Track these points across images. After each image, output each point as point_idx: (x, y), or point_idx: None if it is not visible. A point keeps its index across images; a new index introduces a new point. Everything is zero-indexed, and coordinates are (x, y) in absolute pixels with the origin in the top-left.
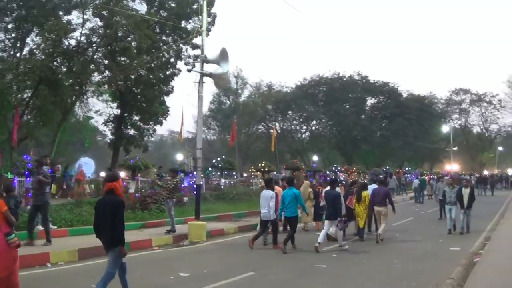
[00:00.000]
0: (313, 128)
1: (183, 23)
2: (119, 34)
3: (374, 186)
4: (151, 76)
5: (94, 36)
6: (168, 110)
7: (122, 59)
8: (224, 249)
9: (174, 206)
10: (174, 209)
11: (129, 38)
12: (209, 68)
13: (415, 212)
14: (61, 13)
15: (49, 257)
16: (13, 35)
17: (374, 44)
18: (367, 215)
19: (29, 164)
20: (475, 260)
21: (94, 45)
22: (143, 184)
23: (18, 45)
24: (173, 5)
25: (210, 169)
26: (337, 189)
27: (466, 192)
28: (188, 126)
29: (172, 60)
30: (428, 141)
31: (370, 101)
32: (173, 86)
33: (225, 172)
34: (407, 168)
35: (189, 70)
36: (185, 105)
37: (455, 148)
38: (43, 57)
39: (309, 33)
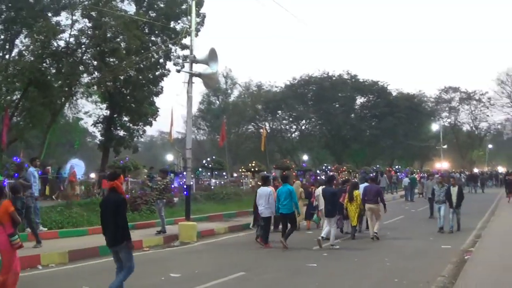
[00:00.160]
0: (303, 127)
1: (172, 24)
2: (108, 35)
3: (366, 185)
4: (140, 77)
5: (83, 37)
6: (158, 111)
7: (111, 60)
8: (215, 249)
9: (164, 206)
10: (164, 210)
11: (118, 39)
12: (198, 68)
13: (405, 211)
14: (50, 14)
15: (39, 259)
16: (2, 36)
17: (363, 43)
18: (358, 214)
19: None
20: (466, 258)
21: (83, 46)
22: (133, 185)
23: (7, 46)
24: (162, 5)
25: (200, 169)
26: None
27: (454, 190)
28: (178, 126)
29: (161, 60)
30: (418, 139)
31: (359, 100)
32: (162, 87)
33: (215, 172)
34: (397, 167)
35: (178, 71)
36: (175, 106)
37: (445, 146)
38: (32, 58)
39: (298, 32)
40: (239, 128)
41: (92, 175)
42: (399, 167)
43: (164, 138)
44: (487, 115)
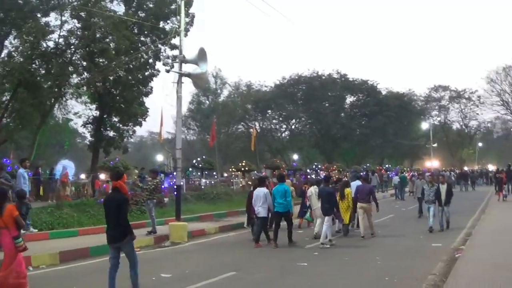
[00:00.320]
0: (293, 127)
1: (161, 24)
2: (97, 36)
3: (358, 183)
4: (129, 77)
5: (72, 37)
6: (147, 111)
7: (101, 60)
8: (206, 249)
9: (155, 207)
10: (154, 210)
11: (108, 39)
12: (188, 68)
13: (395, 209)
14: (39, 15)
15: (30, 260)
16: None
17: (353, 43)
18: (350, 212)
19: (9, 168)
20: (456, 256)
21: (72, 46)
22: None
23: None
24: (151, 5)
25: (190, 169)
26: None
27: (443, 188)
28: (168, 126)
29: (150, 60)
30: (407, 138)
31: (349, 99)
32: (152, 87)
33: (206, 172)
34: (387, 166)
35: (168, 71)
36: (164, 106)
37: (435, 145)
38: (21, 59)
39: (287, 32)
40: (229, 128)
41: (82, 176)
42: (389, 166)
43: (154, 139)
44: (477, 114)
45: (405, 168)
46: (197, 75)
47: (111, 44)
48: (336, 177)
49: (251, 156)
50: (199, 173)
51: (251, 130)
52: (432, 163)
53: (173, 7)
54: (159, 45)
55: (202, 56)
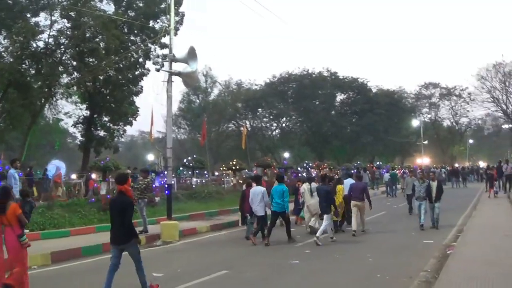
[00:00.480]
0: (283, 125)
1: (151, 23)
2: (87, 35)
3: (350, 181)
4: (120, 77)
5: (62, 37)
6: (138, 110)
7: (91, 60)
8: (197, 248)
9: (146, 206)
10: (146, 210)
11: (97, 39)
12: (178, 67)
13: (387, 206)
14: (28, 15)
15: None
16: None
17: (343, 41)
18: (342, 208)
19: None
20: (448, 253)
21: (62, 46)
22: (114, 185)
23: None
24: (140, 4)
25: (181, 168)
26: (314, 184)
27: (433, 185)
28: (158, 126)
29: (140, 60)
30: (398, 135)
31: (339, 97)
32: (142, 86)
33: (197, 171)
34: (378, 163)
35: (158, 70)
36: (155, 105)
37: (426, 142)
38: (11, 60)
39: (278, 30)
40: (219, 126)
41: (73, 176)
42: (380, 163)
43: (144, 138)
44: (468, 111)
45: (396, 166)
46: (187, 74)
47: (101, 44)
48: (331, 175)
49: (242, 155)
50: (190, 172)
51: (242, 128)
52: (423, 160)
53: (162, 6)
54: (149, 44)
55: (192, 54)
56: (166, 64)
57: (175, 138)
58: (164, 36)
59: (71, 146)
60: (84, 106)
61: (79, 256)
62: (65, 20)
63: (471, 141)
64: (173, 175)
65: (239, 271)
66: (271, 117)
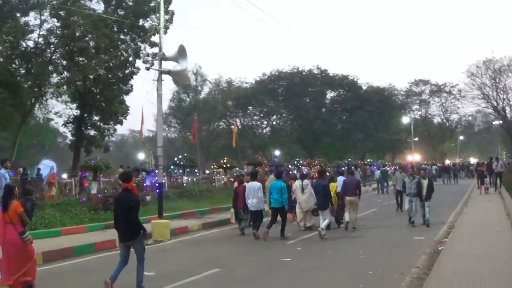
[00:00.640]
0: (274, 123)
1: (140, 21)
2: (77, 34)
3: (342, 178)
4: (110, 76)
5: (51, 36)
6: (128, 109)
7: (81, 59)
8: (189, 246)
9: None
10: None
11: (87, 38)
12: (167, 65)
13: (378, 203)
14: (18, 14)
15: None
16: None
17: (333, 39)
18: (337, 205)
19: None
20: (439, 249)
21: (52, 46)
22: (105, 184)
23: None
24: (130, 3)
25: (172, 167)
26: (305, 181)
27: (424, 183)
28: (149, 124)
29: (130, 59)
30: (389, 132)
31: (330, 94)
32: (132, 85)
33: (187, 170)
34: (368, 160)
35: (148, 68)
36: (145, 104)
37: (416, 139)
38: (1, 59)
39: (268, 29)
40: (210, 125)
41: (64, 176)
42: (371, 160)
43: (135, 137)
44: (458, 107)
45: (386, 163)
46: (177, 72)
47: (90, 43)
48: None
49: (232, 153)
50: (180, 171)
51: (232, 126)
52: (414, 157)
53: (152, 4)
54: (139, 43)
55: (182, 53)
56: (156, 62)
57: (165, 137)
58: (154, 34)
59: (62, 146)
60: (74, 105)
61: (71, 255)
62: (55, 20)
63: (461, 137)
64: (164, 173)
65: (230, 269)
66: (262, 115)
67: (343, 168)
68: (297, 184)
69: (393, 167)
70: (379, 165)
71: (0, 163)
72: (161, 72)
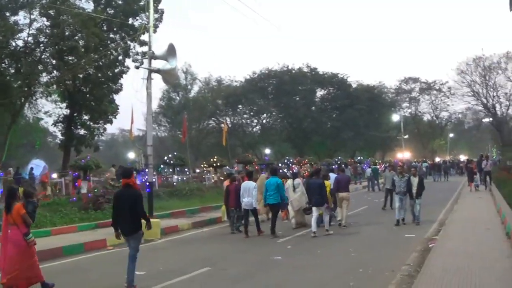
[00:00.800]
0: (264, 121)
1: (130, 20)
2: (66, 33)
3: (333, 175)
4: (99, 75)
5: (41, 36)
6: (118, 109)
7: (70, 58)
8: (179, 245)
9: None
10: None
11: (77, 37)
12: (157, 64)
13: (368, 201)
14: (7, 13)
15: None
16: None
17: (322, 37)
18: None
19: None
20: (430, 246)
21: (41, 45)
22: (95, 183)
23: None
24: (120, 2)
25: (162, 166)
26: (297, 180)
27: (414, 180)
28: (138, 123)
29: (120, 58)
30: (379, 130)
31: (319, 92)
32: (122, 84)
33: (177, 169)
34: (358, 158)
35: (137, 67)
36: (135, 103)
37: (406, 136)
38: None
39: (258, 27)
40: (200, 123)
41: (54, 175)
42: (361, 158)
43: (125, 136)
44: (448, 105)
45: (376, 160)
46: (166, 71)
47: (80, 42)
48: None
49: (222, 152)
50: (171, 170)
51: (222, 125)
52: (404, 155)
53: (142, 3)
54: (129, 42)
55: (171, 52)
56: (146, 61)
57: (155, 136)
58: (144, 33)
59: (52, 145)
60: (64, 104)
61: (61, 255)
62: (44, 19)
63: (451, 135)
64: (154, 172)
65: (221, 268)
66: (252, 113)
67: (333, 166)
68: (289, 183)
69: (383, 165)
70: (369, 163)
71: None
72: (151, 71)
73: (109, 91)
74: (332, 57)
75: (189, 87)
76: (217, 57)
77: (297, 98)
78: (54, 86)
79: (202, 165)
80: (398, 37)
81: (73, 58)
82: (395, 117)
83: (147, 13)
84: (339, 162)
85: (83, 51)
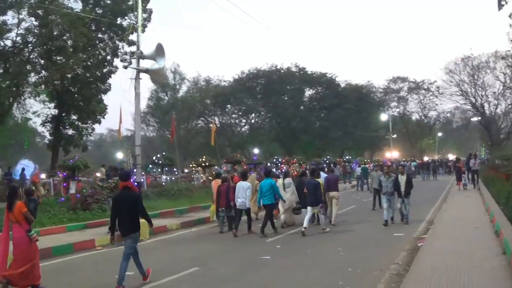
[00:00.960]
0: (253, 121)
1: (119, 20)
2: (55, 33)
3: (323, 175)
4: (88, 75)
5: (29, 36)
6: (106, 109)
7: (58, 58)
8: (168, 245)
9: None
10: None
11: (65, 37)
12: (146, 64)
13: (356, 200)
14: None
15: None
16: None
17: (310, 37)
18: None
19: None
20: (419, 245)
21: (30, 45)
22: (84, 184)
23: None
24: (108, 2)
25: (150, 166)
26: (288, 179)
27: (403, 179)
28: (127, 123)
29: (108, 57)
30: (367, 130)
31: (308, 92)
32: (110, 84)
33: (166, 169)
34: (347, 157)
35: (126, 67)
36: (123, 103)
37: (395, 136)
38: None
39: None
40: (188, 123)
41: (43, 176)
42: (349, 157)
43: (113, 136)
44: (436, 104)
45: (365, 160)
46: (155, 70)
47: (68, 42)
48: (301, 171)
49: (211, 151)
50: (159, 170)
51: (211, 125)
52: (392, 154)
53: (130, 3)
54: (117, 42)
55: (159, 51)
56: (134, 61)
57: (144, 136)
58: (132, 33)
59: (40, 145)
60: (53, 104)
61: (50, 256)
62: (33, 19)
63: (440, 134)
64: (143, 173)
65: (210, 268)
66: (240, 113)
67: (323, 165)
68: (279, 182)
69: (371, 164)
70: (358, 162)
71: None
72: (139, 71)
73: (98, 91)
74: (320, 57)
75: (177, 87)
76: (206, 57)
77: (286, 98)
78: (43, 86)
79: (190, 165)
80: (386, 37)
81: (62, 58)
82: (384, 117)
83: (135, 13)
84: (328, 162)
85: (72, 51)
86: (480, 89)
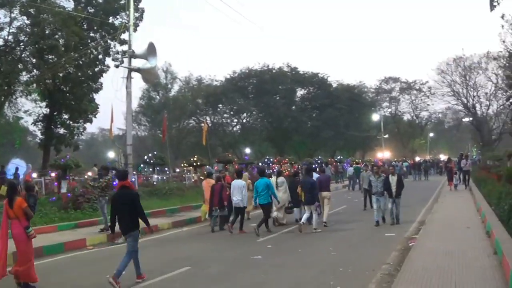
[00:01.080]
0: (244, 120)
1: (110, 19)
2: (47, 32)
3: (315, 175)
4: (79, 74)
5: (21, 34)
6: (98, 108)
7: (50, 57)
8: (159, 245)
9: (107, 204)
10: (107, 207)
11: (57, 36)
12: (137, 63)
13: (348, 200)
14: None
15: None
16: None
17: (302, 37)
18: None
19: None
20: (410, 245)
21: (21, 43)
22: (75, 183)
23: None
24: (100, 1)
25: (142, 165)
26: (281, 178)
27: (393, 179)
28: (118, 123)
29: (100, 56)
30: (359, 130)
31: (300, 92)
32: (102, 83)
33: (157, 168)
34: (339, 157)
35: (117, 66)
36: (115, 102)
37: (386, 136)
38: None
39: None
40: (180, 123)
41: (34, 175)
42: (341, 157)
43: (105, 135)
44: (428, 104)
45: (356, 160)
46: (146, 70)
47: (60, 41)
48: (293, 171)
49: (202, 151)
50: (151, 169)
51: (203, 124)
52: (384, 154)
53: (122, 2)
54: (109, 41)
55: (151, 50)
56: (126, 60)
57: (135, 135)
58: (124, 32)
59: (32, 145)
60: (44, 103)
61: (41, 255)
62: (25, 17)
63: (431, 134)
64: (134, 172)
65: (202, 267)
66: (232, 113)
67: (314, 165)
68: (273, 180)
69: (362, 164)
70: (350, 162)
71: None
72: (131, 70)
73: (89, 90)
74: (312, 57)
75: (169, 86)
76: (198, 57)
77: (277, 98)
78: (34, 85)
79: (182, 165)
80: (378, 37)
81: (53, 57)
82: (375, 117)
83: (127, 12)
84: (319, 162)
85: (63, 50)
86: (472, 89)
